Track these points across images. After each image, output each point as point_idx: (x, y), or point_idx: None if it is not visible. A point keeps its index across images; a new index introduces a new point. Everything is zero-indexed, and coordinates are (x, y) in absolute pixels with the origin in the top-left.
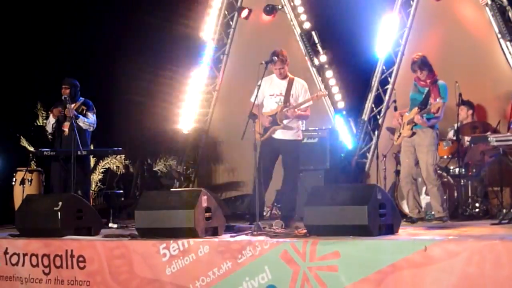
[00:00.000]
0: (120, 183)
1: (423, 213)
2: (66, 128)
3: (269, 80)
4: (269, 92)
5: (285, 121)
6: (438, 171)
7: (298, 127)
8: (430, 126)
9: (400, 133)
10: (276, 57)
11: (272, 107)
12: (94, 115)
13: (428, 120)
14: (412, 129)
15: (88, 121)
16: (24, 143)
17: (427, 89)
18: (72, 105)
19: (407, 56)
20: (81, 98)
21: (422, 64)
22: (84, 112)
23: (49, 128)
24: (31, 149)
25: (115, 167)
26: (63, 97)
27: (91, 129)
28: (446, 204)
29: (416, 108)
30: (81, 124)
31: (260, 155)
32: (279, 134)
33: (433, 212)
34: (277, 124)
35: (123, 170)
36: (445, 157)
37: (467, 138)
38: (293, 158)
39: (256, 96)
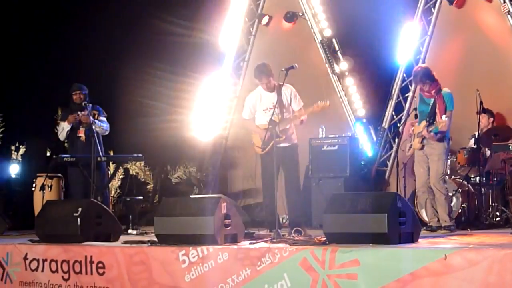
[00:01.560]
0: (139, 189)
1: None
2: (81, 134)
3: (258, 94)
4: (262, 107)
5: (283, 132)
6: (458, 179)
7: (293, 132)
8: (438, 139)
9: (411, 145)
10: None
11: (267, 121)
12: (105, 119)
13: (435, 135)
14: (422, 142)
15: (104, 125)
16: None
17: (432, 100)
18: (83, 112)
19: (428, 63)
20: (89, 104)
21: (424, 76)
22: (96, 117)
23: (62, 136)
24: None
25: (135, 174)
26: (83, 103)
27: (106, 133)
28: (452, 213)
29: (425, 121)
30: (97, 129)
31: (263, 167)
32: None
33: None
34: (278, 137)
35: (143, 176)
36: (466, 165)
37: (487, 148)
38: (292, 162)
39: (277, 103)
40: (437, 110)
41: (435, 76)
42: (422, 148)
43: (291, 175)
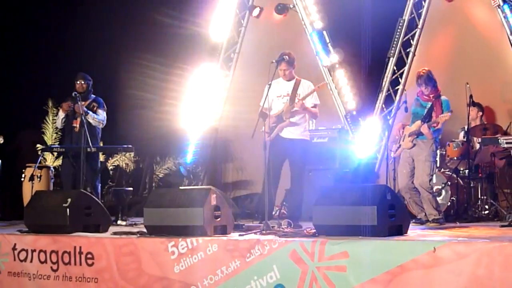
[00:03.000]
0: (129, 180)
1: None
2: (76, 124)
3: (276, 82)
4: (276, 94)
5: (292, 119)
6: (447, 172)
7: (305, 127)
8: (432, 138)
9: (400, 145)
10: (286, 57)
11: (279, 108)
12: (104, 113)
13: (433, 133)
14: (413, 141)
15: (98, 117)
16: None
17: (430, 103)
18: (83, 102)
19: (418, 57)
20: (92, 95)
21: (428, 79)
22: (95, 109)
23: (58, 124)
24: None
25: (124, 165)
26: (73, 94)
27: (101, 126)
28: (441, 206)
29: (419, 121)
30: (90, 120)
31: (269, 155)
32: (287, 133)
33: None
34: (283, 121)
35: (132, 168)
36: (455, 158)
37: (477, 140)
38: (299, 157)
39: (267, 95)
40: (433, 114)
41: (436, 81)
42: (412, 147)
43: (296, 171)
